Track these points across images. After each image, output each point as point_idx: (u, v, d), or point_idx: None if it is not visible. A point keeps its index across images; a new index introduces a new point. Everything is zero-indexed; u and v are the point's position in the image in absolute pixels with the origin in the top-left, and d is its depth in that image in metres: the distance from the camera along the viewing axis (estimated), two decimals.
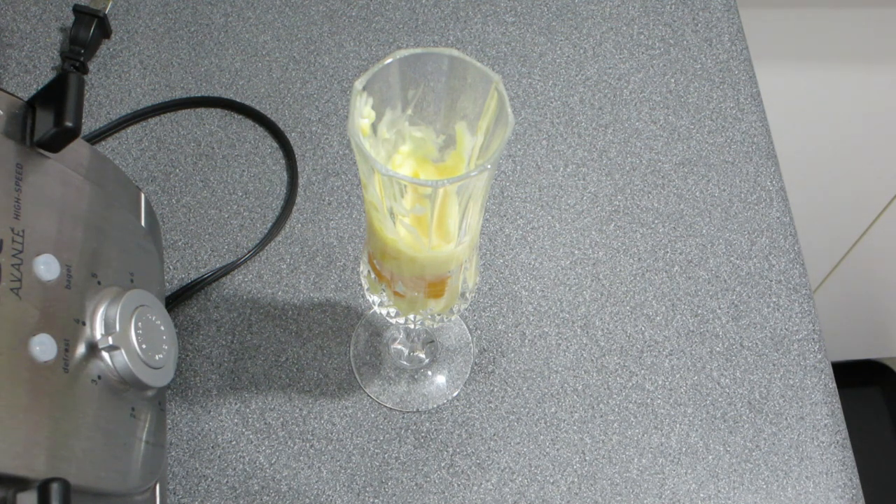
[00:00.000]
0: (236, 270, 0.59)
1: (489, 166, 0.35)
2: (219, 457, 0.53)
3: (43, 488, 0.34)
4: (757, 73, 0.88)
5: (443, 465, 0.53)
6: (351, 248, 0.60)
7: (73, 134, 0.41)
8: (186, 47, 0.67)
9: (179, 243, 0.59)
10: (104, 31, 0.65)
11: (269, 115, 0.64)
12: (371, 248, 0.44)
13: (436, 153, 0.41)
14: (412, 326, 0.48)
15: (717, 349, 0.57)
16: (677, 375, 0.57)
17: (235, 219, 0.60)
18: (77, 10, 0.64)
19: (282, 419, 0.54)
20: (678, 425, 0.55)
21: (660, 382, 0.56)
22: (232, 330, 0.57)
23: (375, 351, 0.57)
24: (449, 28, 0.69)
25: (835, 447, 0.55)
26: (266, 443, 0.53)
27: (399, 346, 0.57)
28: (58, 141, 0.41)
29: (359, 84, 0.36)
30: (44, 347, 0.37)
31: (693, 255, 0.61)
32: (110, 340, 0.41)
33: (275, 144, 0.63)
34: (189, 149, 0.63)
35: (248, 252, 0.59)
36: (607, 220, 0.62)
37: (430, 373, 0.57)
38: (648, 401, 0.56)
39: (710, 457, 0.54)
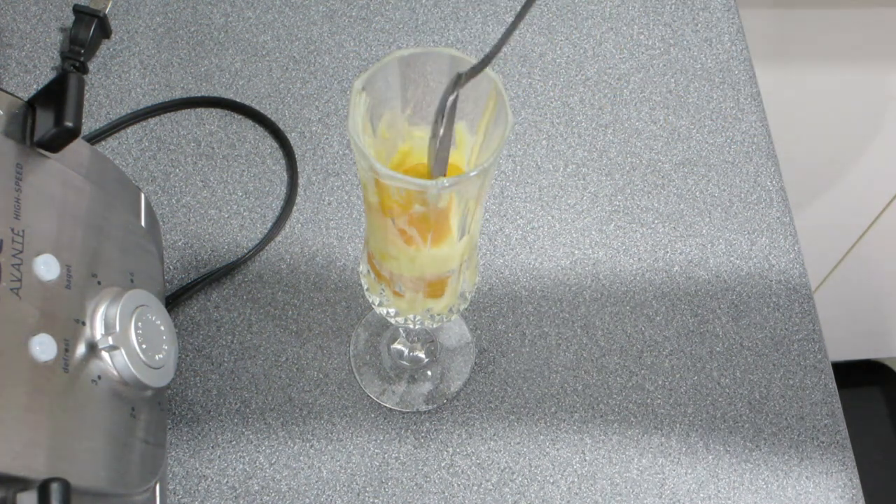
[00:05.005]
0: (236, 270, 0.59)
1: (488, 166, 0.35)
2: (219, 457, 0.53)
3: (43, 488, 0.34)
4: (757, 73, 0.88)
5: (443, 465, 0.53)
6: (351, 248, 0.60)
7: (73, 134, 0.41)
8: (186, 47, 0.67)
9: (179, 243, 0.59)
10: (104, 31, 0.65)
11: (269, 115, 0.64)
12: (371, 248, 0.44)
13: None
14: (412, 326, 0.48)
15: (717, 349, 0.58)
16: (677, 375, 0.57)
17: (235, 219, 0.60)
18: (77, 10, 0.64)
19: (282, 419, 0.54)
20: (678, 425, 0.55)
21: (660, 382, 0.56)
22: (232, 330, 0.57)
23: (375, 351, 0.57)
24: (449, 28, 0.69)
25: (835, 447, 0.55)
26: (266, 443, 0.53)
27: (399, 346, 0.57)
28: (58, 141, 0.41)
29: (358, 84, 0.36)
30: (44, 347, 0.37)
31: (693, 255, 0.61)
32: (110, 340, 0.41)
33: (275, 144, 0.63)
34: (189, 149, 0.63)
35: (248, 252, 0.59)
36: (607, 220, 0.62)
37: (430, 373, 0.57)
38: (648, 401, 0.56)
39: (710, 457, 0.54)
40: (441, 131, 0.36)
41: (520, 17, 0.33)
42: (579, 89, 0.67)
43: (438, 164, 0.37)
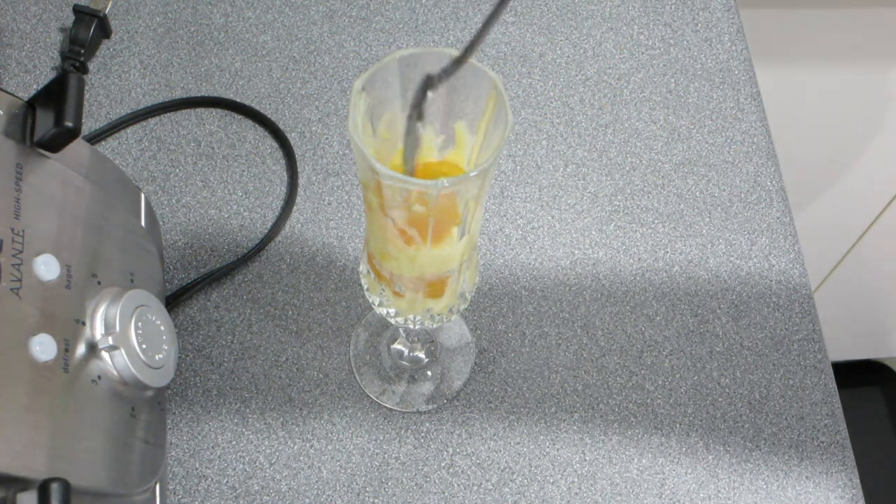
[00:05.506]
0: (236, 270, 0.59)
1: (488, 166, 0.35)
2: (219, 457, 0.53)
3: (43, 488, 0.34)
4: (757, 73, 0.88)
5: (443, 465, 0.53)
6: (351, 248, 0.60)
7: (73, 134, 0.41)
8: (186, 47, 0.67)
9: (179, 243, 0.59)
10: (104, 31, 0.65)
11: (269, 115, 0.64)
12: (371, 248, 0.44)
13: (435, 153, 0.41)
14: (412, 326, 0.48)
15: (717, 349, 0.58)
16: (677, 375, 0.57)
17: (235, 219, 0.60)
18: (77, 10, 0.64)
19: (282, 419, 0.54)
20: (678, 425, 0.55)
21: (660, 382, 0.56)
22: (232, 330, 0.57)
23: (375, 351, 0.57)
24: (449, 28, 0.69)
25: (835, 447, 0.55)
26: (266, 443, 0.53)
27: (399, 346, 0.57)
28: (58, 141, 0.41)
29: (358, 84, 0.36)
30: (44, 347, 0.38)
31: (693, 255, 0.61)
32: (110, 340, 0.41)
33: (275, 144, 0.63)
34: (189, 149, 0.63)
35: (248, 252, 0.59)
36: (607, 220, 0.62)
37: (430, 373, 0.57)
38: (648, 401, 0.56)
39: (710, 457, 0.54)
40: (411, 130, 0.36)
41: (496, 12, 0.33)
42: (579, 89, 0.67)
43: (407, 163, 0.38)
